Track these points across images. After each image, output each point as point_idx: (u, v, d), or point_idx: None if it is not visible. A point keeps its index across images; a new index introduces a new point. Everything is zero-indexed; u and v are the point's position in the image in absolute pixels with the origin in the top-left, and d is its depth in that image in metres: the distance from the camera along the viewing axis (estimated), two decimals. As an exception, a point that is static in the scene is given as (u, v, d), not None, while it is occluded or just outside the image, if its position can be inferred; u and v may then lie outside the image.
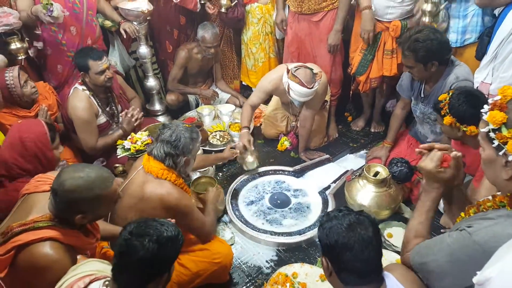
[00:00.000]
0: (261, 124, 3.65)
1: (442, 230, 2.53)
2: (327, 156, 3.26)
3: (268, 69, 3.79)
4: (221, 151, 3.28)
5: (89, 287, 1.37)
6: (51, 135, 2.19)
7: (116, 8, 3.27)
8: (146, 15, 3.25)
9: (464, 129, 1.99)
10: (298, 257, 2.47)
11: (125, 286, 1.34)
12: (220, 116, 3.79)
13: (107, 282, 1.37)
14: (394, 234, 2.50)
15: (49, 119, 2.74)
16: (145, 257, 1.29)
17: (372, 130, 3.69)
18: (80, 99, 2.78)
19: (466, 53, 2.71)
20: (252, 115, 3.27)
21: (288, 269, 2.29)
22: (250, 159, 3.04)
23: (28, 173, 2.12)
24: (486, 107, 1.19)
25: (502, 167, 1.16)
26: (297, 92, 2.77)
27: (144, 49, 3.48)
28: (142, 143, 2.56)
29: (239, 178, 3.04)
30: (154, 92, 3.74)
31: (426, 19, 2.78)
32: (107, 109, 2.97)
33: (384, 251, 2.37)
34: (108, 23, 3.30)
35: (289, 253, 2.50)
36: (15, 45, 2.81)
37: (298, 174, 3.10)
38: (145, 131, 2.75)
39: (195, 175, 2.91)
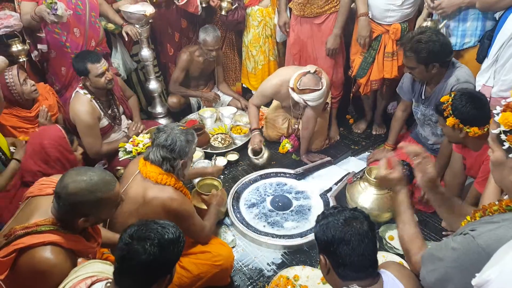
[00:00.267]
0: (262, 127, 3.66)
1: (444, 233, 2.53)
2: (329, 158, 3.26)
3: (267, 72, 3.81)
4: (223, 154, 3.31)
5: None
6: (70, 138, 2.24)
7: (118, 11, 3.29)
8: (148, 18, 3.27)
9: (468, 130, 1.99)
10: (300, 260, 2.47)
11: None
12: (222, 119, 3.80)
13: (108, 284, 1.37)
14: (396, 236, 2.49)
15: (49, 120, 2.75)
16: (147, 261, 1.29)
17: (374, 132, 3.69)
18: (82, 103, 2.79)
19: (465, 56, 2.71)
20: (259, 113, 3.34)
21: (289, 272, 2.29)
22: (259, 161, 3.15)
23: None
24: (498, 108, 1.18)
25: (511, 170, 1.15)
26: (314, 98, 2.82)
27: (146, 52, 3.49)
28: (143, 146, 2.57)
29: (240, 180, 3.05)
30: (156, 94, 3.75)
31: None
32: (109, 111, 2.98)
33: (385, 253, 2.38)
34: (111, 26, 3.31)
35: (291, 256, 2.50)
36: (16, 47, 2.82)
37: (300, 176, 3.10)
38: (146, 133, 2.76)
39: (196, 178, 2.92)
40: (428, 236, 2.53)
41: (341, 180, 3.05)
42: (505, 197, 1.26)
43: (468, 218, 1.36)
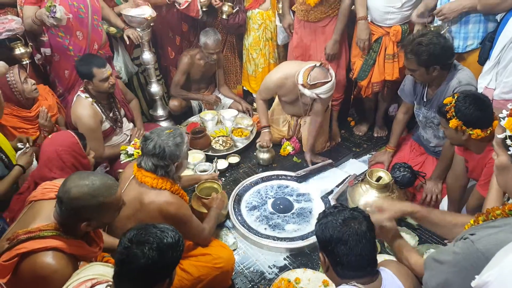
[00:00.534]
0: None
1: (445, 241, 2.52)
2: (330, 161, 3.26)
3: (267, 75, 3.81)
4: (224, 156, 3.31)
5: None
6: (82, 143, 2.23)
7: (119, 15, 3.30)
8: (149, 22, 3.28)
9: (470, 132, 1.98)
10: (301, 263, 2.46)
11: None
12: (223, 121, 3.80)
13: (109, 287, 1.37)
14: (397, 239, 2.49)
15: (49, 121, 2.76)
16: (146, 265, 1.29)
17: (375, 135, 3.69)
18: (83, 107, 2.80)
19: (468, 58, 2.71)
20: (267, 108, 3.39)
21: (290, 275, 2.28)
22: (266, 156, 3.25)
23: None
24: (504, 112, 1.16)
25: None
26: (326, 90, 2.83)
27: (147, 55, 3.50)
28: (145, 149, 2.56)
29: (242, 183, 3.05)
30: (157, 97, 3.76)
31: None
32: (110, 114, 2.99)
33: (387, 256, 2.37)
34: (112, 30, 3.32)
35: (292, 259, 2.50)
36: (19, 50, 2.83)
37: (301, 179, 3.10)
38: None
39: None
40: (430, 239, 2.53)
41: (342, 182, 3.04)
42: (510, 201, 1.26)
43: (472, 221, 1.36)
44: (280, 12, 3.51)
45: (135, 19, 3.22)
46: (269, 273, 2.41)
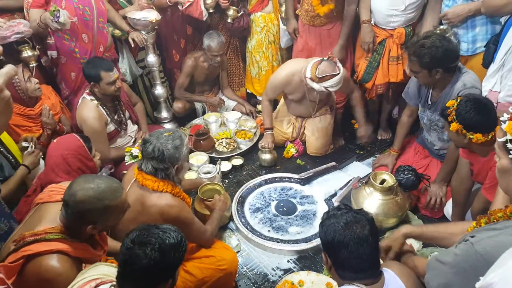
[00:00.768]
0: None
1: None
2: (333, 163, 3.26)
3: (271, 78, 3.81)
4: (228, 158, 3.32)
5: None
6: (88, 146, 2.24)
7: (124, 18, 3.32)
8: (154, 25, 3.29)
9: (471, 136, 1.98)
10: (304, 265, 2.46)
11: None
12: (227, 123, 3.81)
13: (113, 287, 1.38)
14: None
15: (51, 119, 2.77)
16: (148, 266, 1.30)
17: (379, 137, 3.69)
18: (89, 109, 2.81)
19: (471, 61, 2.71)
20: (272, 109, 3.39)
21: (294, 277, 2.28)
22: (267, 157, 3.26)
23: None
24: (505, 115, 1.16)
25: None
26: (334, 84, 2.83)
27: (152, 58, 3.52)
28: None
29: (245, 185, 3.05)
30: (161, 100, 3.78)
31: None
32: (115, 117, 3.00)
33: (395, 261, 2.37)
34: (118, 32, 3.35)
35: (295, 261, 2.49)
36: (26, 53, 2.86)
37: (304, 181, 3.10)
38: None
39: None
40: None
41: (346, 185, 3.04)
42: None
43: (474, 224, 1.36)
44: (283, 15, 3.52)
45: (140, 22, 3.24)
46: (272, 275, 2.41)
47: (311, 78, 2.85)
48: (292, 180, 3.12)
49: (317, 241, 2.55)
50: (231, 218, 2.77)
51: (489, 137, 1.93)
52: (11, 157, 2.39)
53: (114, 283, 1.39)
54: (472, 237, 1.23)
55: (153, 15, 3.26)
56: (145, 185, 1.95)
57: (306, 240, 2.59)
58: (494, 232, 1.20)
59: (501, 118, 1.17)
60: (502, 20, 2.42)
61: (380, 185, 2.54)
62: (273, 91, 3.26)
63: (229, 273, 2.17)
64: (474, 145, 2.02)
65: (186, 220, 2.01)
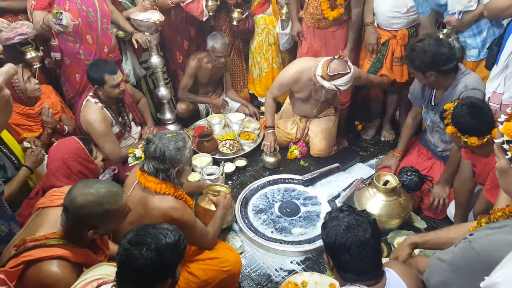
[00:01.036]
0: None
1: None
2: (337, 164, 3.26)
3: (271, 79, 3.81)
4: (231, 160, 3.33)
5: None
6: (88, 148, 2.23)
7: (128, 19, 3.34)
8: (157, 26, 3.31)
9: (465, 139, 2.00)
10: (308, 266, 2.46)
11: None
12: (230, 125, 3.82)
13: (114, 287, 1.39)
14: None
15: (51, 117, 2.78)
16: (144, 266, 1.31)
17: (382, 139, 3.68)
18: (94, 112, 2.83)
19: (480, 64, 2.69)
20: (275, 108, 3.38)
21: (297, 278, 2.28)
22: (272, 160, 3.26)
23: None
24: (503, 116, 1.18)
25: None
26: (345, 82, 2.84)
27: (155, 59, 3.53)
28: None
29: (248, 186, 3.05)
30: (165, 101, 3.79)
31: None
32: (119, 119, 3.02)
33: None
34: (121, 33, 3.36)
35: (299, 262, 2.50)
36: (30, 54, 2.88)
37: (308, 182, 3.10)
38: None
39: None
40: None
41: (349, 186, 3.04)
42: None
43: (475, 223, 1.38)
44: (284, 18, 3.51)
45: (144, 23, 3.25)
46: (275, 276, 2.41)
47: (322, 76, 2.85)
48: (296, 181, 3.12)
49: (320, 242, 2.55)
50: (234, 219, 2.77)
51: (484, 140, 1.96)
52: (14, 157, 2.40)
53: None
54: (470, 235, 1.25)
55: (156, 16, 3.27)
56: (148, 187, 1.94)
57: (309, 241, 2.59)
58: (492, 230, 1.22)
59: (499, 119, 1.19)
60: (505, 22, 2.42)
61: (383, 186, 2.54)
62: (279, 89, 3.25)
63: (232, 274, 2.17)
64: (472, 146, 2.03)
65: (189, 222, 2.00)
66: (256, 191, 3.03)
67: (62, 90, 3.20)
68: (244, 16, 3.63)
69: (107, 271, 1.51)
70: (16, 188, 2.30)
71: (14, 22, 2.79)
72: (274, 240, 2.60)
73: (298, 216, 2.81)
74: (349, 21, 3.22)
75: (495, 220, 1.29)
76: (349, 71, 2.81)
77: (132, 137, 3.20)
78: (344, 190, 3.01)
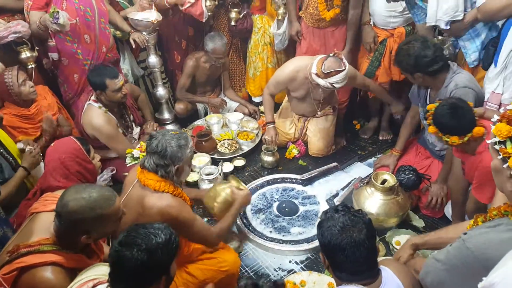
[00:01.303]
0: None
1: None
2: (335, 164, 3.26)
3: (265, 79, 3.82)
4: (230, 159, 3.32)
5: None
6: (85, 148, 2.23)
7: (126, 19, 3.33)
8: (155, 26, 3.30)
9: (446, 139, 2.03)
10: (306, 265, 2.46)
11: None
12: (229, 125, 3.82)
13: (109, 287, 1.39)
14: (402, 242, 2.47)
15: (54, 128, 2.78)
16: (135, 267, 1.31)
17: (380, 138, 3.68)
18: (98, 117, 2.85)
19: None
20: (273, 105, 3.39)
21: (296, 278, 2.28)
22: (270, 159, 3.26)
23: None
24: (496, 117, 1.19)
25: (508, 178, 1.17)
26: (340, 80, 2.84)
27: (153, 59, 3.52)
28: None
29: (247, 186, 3.04)
30: (163, 101, 3.78)
31: None
32: (122, 121, 3.03)
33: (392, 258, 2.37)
34: (119, 33, 3.36)
35: (297, 261, 2.50)
36: (25, 54, 2.87)
37: (306, 182, 3.10)
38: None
39: (203, 184, 2.93)
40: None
41: (347, 185, 3.04)
42: None
43: (472, 222, 1.38)
44: (280, 18, 3.51)
45: (141, 22, 3.25)
46: (274, 276, 2.41)
47: (316, 74, 2.86)
48: (294, 180, 3.12)
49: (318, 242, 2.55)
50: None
51: (465, 139, 1.98)
52: (11, 158, 2.40)
53: None
54: (465, 234, 1.26)
55: (154, 16, 3.27)
56: (147, 185, 1.94)
57: (308, 240, 2.59)
58: (486, 229, 1.23)
59: (492, 119, 1.20)
60: (499, 22, 2.42)
61: (381, 185, 2.55)
62: (275, 87, 3.26)
63: (231, 274, 2.18)
64: (454, 145, 2.07)
65: (187, 220, 1.99)
66: (254, 190, 3.03)
67: (59, 90, 3.19)
68: (241, 15, 3.63)
69: (103, 271, 1.51)
70: (13, 189, 2.29)
71: (10, 21, 2.78)
72: (273, 240, 2.60)
73: (296, 215, 2.82)
74: (347, 21, 3.22)
75: (491, 218, 1.30)
76: (344, 68, 2.82)
77: (133, 137, 3.21)
78: (343, 189, 3.02)
